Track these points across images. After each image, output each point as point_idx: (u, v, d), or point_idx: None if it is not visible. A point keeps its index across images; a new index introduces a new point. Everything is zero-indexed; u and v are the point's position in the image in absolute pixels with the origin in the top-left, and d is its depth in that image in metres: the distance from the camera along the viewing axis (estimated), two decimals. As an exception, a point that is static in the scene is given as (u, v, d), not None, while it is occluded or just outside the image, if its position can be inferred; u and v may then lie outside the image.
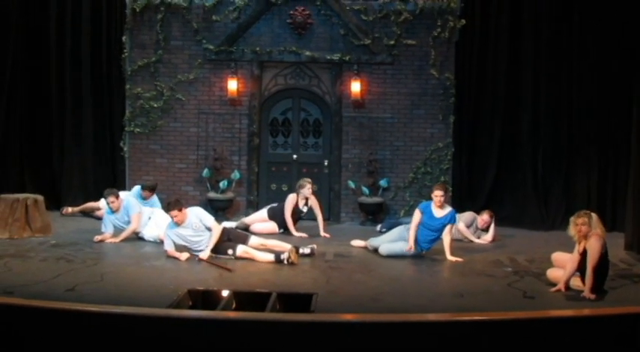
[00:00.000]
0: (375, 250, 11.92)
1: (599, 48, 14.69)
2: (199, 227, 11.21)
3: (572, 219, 9.65)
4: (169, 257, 11.21)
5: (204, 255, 10.98)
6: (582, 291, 9.25)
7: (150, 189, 13.94)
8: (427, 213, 11.61)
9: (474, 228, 13.36)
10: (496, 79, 15.07)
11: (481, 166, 15.24)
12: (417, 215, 11.69)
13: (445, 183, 13.48)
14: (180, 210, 11.18)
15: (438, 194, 11.64)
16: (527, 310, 8.46)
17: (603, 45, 14.67)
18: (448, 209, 11.72)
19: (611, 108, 14.67)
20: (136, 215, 12.43)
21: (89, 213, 14.59)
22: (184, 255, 11.12)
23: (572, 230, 9.57)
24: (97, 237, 12.27)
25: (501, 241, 13.27)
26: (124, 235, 12.30)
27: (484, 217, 13.43)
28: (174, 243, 11.32)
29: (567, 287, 9.53)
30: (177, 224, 11.23)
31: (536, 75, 14.92)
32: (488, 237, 13.26)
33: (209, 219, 11.37)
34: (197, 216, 11.33)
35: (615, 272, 10.35)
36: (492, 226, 13.42)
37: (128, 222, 12.46)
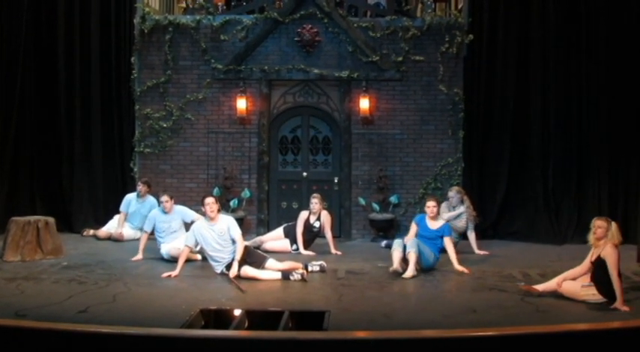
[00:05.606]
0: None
1: (608, 61, 14.71)
2: (224, 234, 11.15)
3: (593, 220, 9.66)
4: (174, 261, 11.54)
5: (233, 272, 10.93)
6: (599, 302, 9.22)
7: (147, 184, 14.31)
8: (422, 225, 11.79)
9: (451, 209, 13.37)
10: (505, 93, 15.06)
11: (491, 181, 15.21)
12: (412, 227, 11.90)
13: (437, 196, 13.39)
14: (216, 202, 11.33)
15: (430, 205, 11.84)
16: (540, 324, 8.41)
17: (612, 58, 14.69)
18: (441, 222, 11.93)
19: (622, 122, 14.66)
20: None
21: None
22: (175, 273, 11.07)
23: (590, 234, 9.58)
24: (136, 258, 12.34)
25: (509, 255, 13.24)
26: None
27: (449, 194, 13.53)
28: (196, 242, 11.36)
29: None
30: (211, 219, 11.21)
31: (545, 89, 14.92)
32: (463, 213, 13.32)
33: (237, 231, 11.25)
34: (227, 223, 11.26)
35: (629, 284, 10.29)
36: (466, 199, 13.51)
37: (174, 228, 12.53)
